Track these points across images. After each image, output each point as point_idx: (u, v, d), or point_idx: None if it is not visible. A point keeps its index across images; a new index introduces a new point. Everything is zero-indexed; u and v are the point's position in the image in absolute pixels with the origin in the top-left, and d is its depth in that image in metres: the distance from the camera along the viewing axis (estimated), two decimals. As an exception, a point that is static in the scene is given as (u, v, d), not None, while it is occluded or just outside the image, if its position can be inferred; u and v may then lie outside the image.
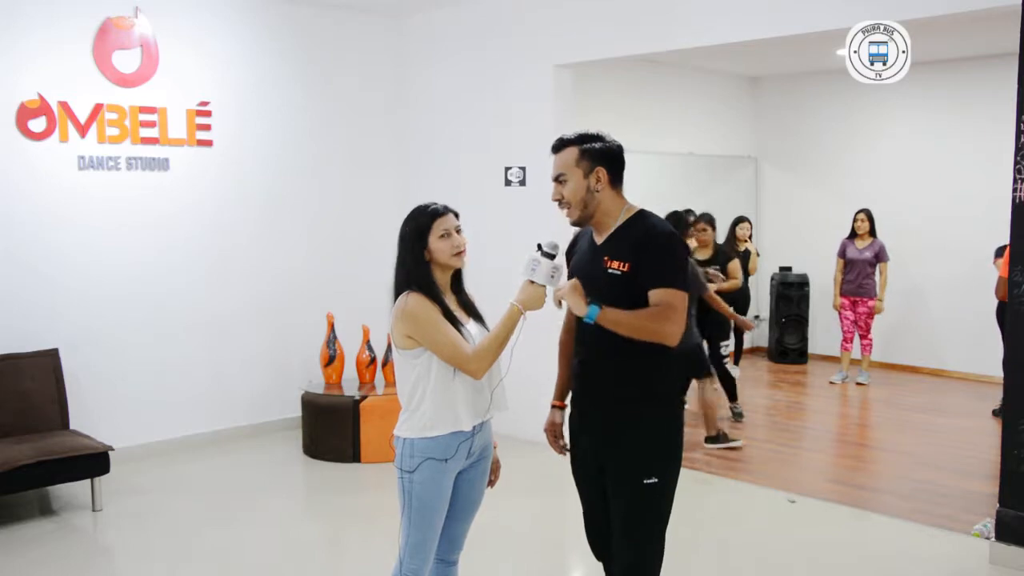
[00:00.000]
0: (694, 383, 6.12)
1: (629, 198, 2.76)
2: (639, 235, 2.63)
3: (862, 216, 8.02)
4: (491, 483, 2.93)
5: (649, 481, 2.63)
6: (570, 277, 2.80)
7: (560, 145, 2.71)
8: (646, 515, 2.67)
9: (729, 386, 6.69)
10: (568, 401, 2.94)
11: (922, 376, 8.66)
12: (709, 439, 6.05)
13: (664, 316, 2.54)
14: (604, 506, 2.77)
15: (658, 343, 2.57)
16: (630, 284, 2.58)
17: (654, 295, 2.56)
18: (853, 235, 8.08)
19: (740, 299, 7.14)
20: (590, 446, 2.76)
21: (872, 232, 8.01)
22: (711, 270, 6.60)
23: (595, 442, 2.73)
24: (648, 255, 2.58)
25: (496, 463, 2.94)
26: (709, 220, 6.82)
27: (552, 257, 2.62)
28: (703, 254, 6.71)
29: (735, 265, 6.89)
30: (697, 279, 5.96)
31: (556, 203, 2.73)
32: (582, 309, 2.55)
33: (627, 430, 2.65)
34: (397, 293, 2.72)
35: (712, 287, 6.34)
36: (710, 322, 6.33)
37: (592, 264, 2.69)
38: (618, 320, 2.54)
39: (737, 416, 6.73)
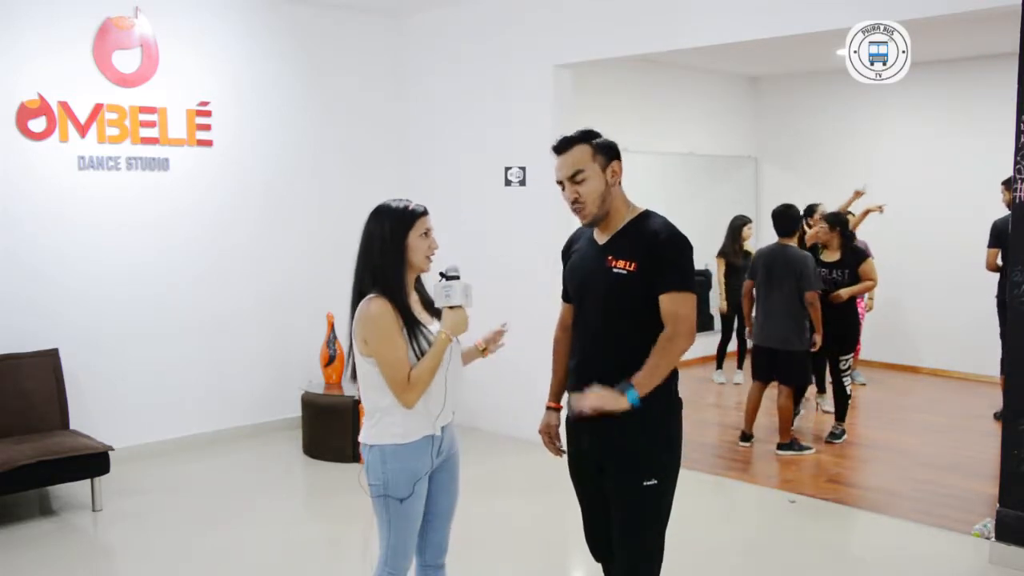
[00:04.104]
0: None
1: (630, 198, 2.75)
2: (647, 235, 2.61)
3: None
4: (485, 352, 2.92)
5: (649, 483, 2.62)
6: (569, 277, 2.80)
7: (568, 143, 2.65)
8: (646, 517, 2.66)
9: (841, 403, 6.27)
10: (564, 402, 2.93)
11: (922, 376, 8.66)
12: (781, 446, 5.91)
13: (674, 335, 2.54)
14: (603, 507, 2.75)
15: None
16: (636, 284, 2.58)
17: (662, 302, 2.56)
18: None
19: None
20: (590, 446, 2.74)
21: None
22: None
23: (595, 442, 2.72)
24: (657, 257, 2.57)
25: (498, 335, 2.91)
26: (834, 220, 6.31)
27: (457, 278, 2.69)
28: (830, 256, 6.26)
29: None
30: (812, 278, 5.74)
31: (572, 203, 2.65)
32: (623, 403, 2.50)
33: (627, 431, 2.63)
34: (362, 294, 2.66)
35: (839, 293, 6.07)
36: (835, 333, 6.03)
37: (595, 263, 2.67)
38: (649, 379, 2.53)
39: (835, 436, 6.23)
